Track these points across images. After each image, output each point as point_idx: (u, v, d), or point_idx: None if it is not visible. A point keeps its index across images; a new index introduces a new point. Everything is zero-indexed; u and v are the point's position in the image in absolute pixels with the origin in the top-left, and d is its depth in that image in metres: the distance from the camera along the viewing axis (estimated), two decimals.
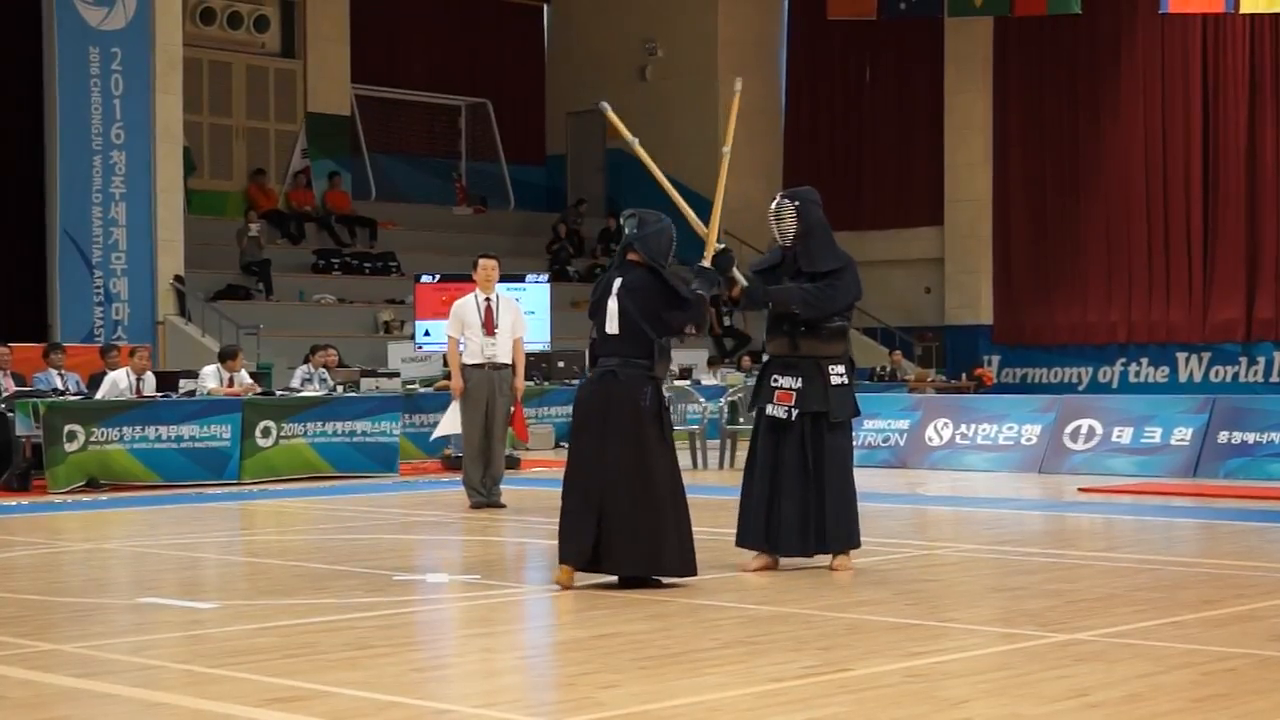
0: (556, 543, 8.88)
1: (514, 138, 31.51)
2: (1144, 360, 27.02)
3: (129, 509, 14.31)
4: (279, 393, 17.95)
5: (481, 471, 13.67)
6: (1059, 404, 17.96)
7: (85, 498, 15.09)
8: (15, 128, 22.25)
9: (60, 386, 17.13)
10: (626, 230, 8.96)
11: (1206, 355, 26.48)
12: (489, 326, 13.57)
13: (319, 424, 17.12)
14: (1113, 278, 27.13)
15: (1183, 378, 26.46)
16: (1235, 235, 26.06)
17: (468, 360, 13.68)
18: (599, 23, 31.34)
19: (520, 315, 14.05)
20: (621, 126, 9.46)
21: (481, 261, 13.99)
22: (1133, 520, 12.68)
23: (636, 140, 9.57)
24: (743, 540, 9.55)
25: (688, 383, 20.87)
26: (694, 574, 8.82)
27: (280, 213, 27.20)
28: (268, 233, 26.39)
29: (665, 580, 8.74)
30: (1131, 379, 26.98)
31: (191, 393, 16.94)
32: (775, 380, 9.36)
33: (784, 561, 9.56)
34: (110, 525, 13.31)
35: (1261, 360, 26.02)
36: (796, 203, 9.36)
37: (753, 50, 30.31)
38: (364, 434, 17.37)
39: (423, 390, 19.71)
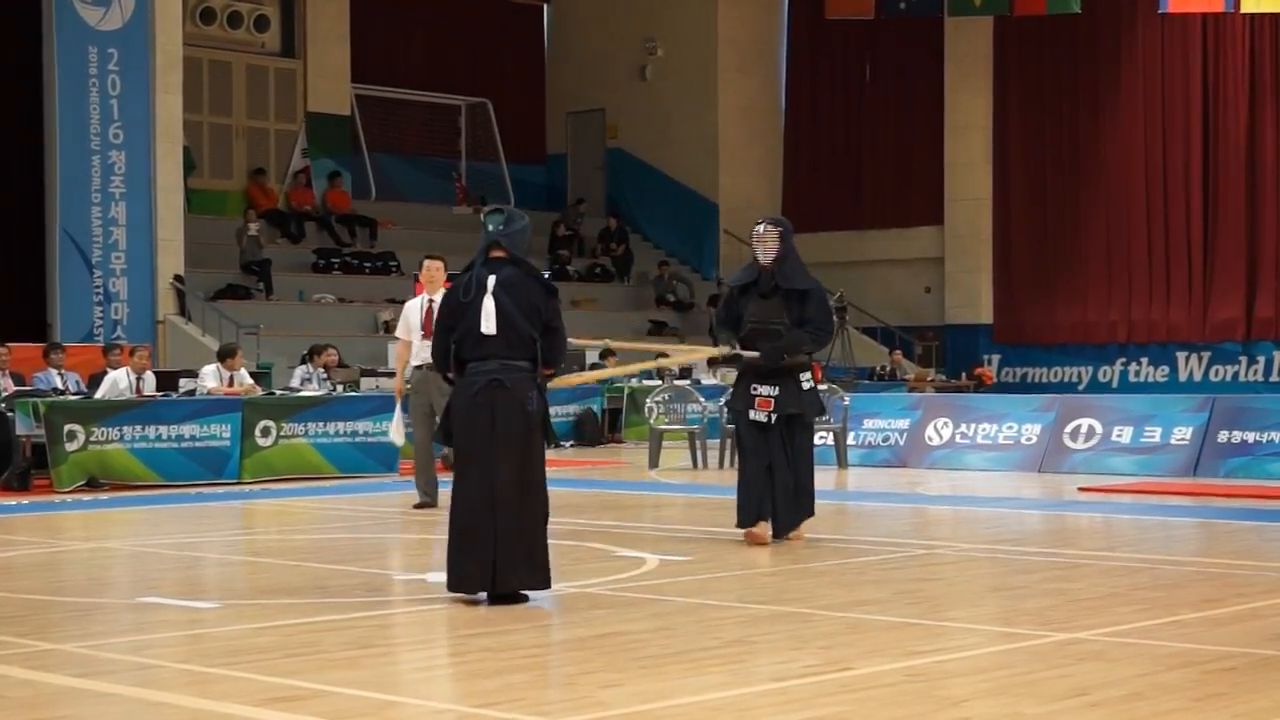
0: (449, 569, 8.33)
1: (514, 137, 31.46)
2: (1144, 359, 27.01)
3: (129, 508, 14.31)
4: (279, 392, 17.95)
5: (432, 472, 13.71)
6: (1059, 403, 17.94)
7: (86, 497, 15.09)
8: (15, 128, 22.23)
9: (60, 386, 17.13)
10: (490, 227, 8.71)
11: (1206, 354, 26.47)
12: (427, 329, 13.18)
13: (319, 424, 17.12)
14: (1112, 277, 27.13)
15: (1183, 377, 26.46)
16: (1235, 235, 26.05)
17: (415, 363, 13.59)
18: (599, 22, 31.32)
19: None
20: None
21: (427, 263, 13.89)
22: (1133, 519, 12.67)
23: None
24: (744, 520, 10.58)
25: (687, 382, 20.83)
26: (549, 586, 8.36)
27: (280, 212, 27.19)
28: (268, 232, 26.38)
29: (529, 594, 8.29)
30: (1131, 378, 26.98)
31: (191, 392, 16.94)
32: (755, 389, 10.60)
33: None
34: (111, 525, 13.31)
35: (1261, 359, 26.02)
36: (780, 229, 10.69)
37: (753, 49, 30.32)
38: (364, 434, 17.36)
39: None
